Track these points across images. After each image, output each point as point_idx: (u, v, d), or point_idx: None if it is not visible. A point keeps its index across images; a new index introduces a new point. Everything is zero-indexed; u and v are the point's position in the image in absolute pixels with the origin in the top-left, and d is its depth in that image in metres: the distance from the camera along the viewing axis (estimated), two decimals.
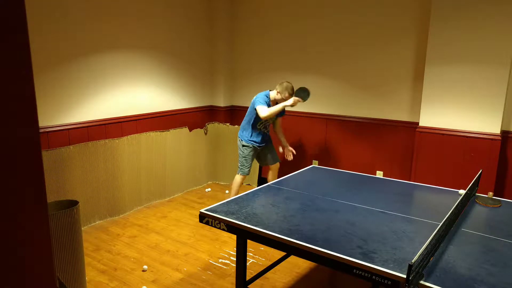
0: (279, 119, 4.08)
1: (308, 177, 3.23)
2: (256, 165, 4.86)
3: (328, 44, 4.41)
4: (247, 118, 3.93)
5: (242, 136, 3.94)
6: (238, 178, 3.98)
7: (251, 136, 3.90)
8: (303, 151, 4.74)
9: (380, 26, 4.05)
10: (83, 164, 3.81)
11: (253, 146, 3.91)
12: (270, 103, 3.81)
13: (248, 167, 3.94)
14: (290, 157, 4.03)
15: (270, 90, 3.87)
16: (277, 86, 3.80)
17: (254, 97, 3.85)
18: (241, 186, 4.03)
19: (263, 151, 4.06)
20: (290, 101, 3.64)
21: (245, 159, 3.93)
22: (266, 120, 3.89)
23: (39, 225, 0.87)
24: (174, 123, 4.75)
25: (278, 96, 3.77)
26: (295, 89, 3.79)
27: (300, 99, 3.69)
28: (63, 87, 3.63)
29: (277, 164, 4.12)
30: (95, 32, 3.80)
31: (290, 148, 4.05)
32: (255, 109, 3.76)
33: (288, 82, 3.77)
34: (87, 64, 3.78)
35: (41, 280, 0.89)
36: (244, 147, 3.93)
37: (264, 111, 3.69)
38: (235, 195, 3.65)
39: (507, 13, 3.21)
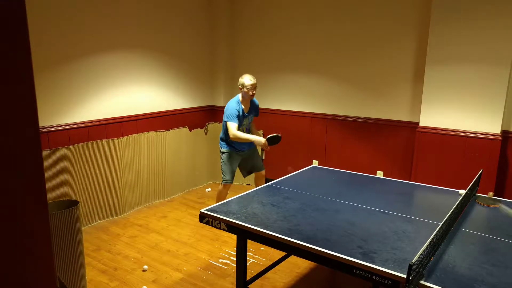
0: (253, 123, 3.85)
1: (308, 177, 3.23)
2: None
3: (328, 44, 4.41)
4: (223, 129, 3.68)
5: (221, 143, 3.77)
6: (220, 188, 3.78)
7: (230, 142, 3.69)
8: (303, 151, 4.74)
9: (380, 26, 4.05)
10: (83, 164, 3.81)
11: (232, 151, 3.71)
12: (242, 108, 3.59)
13: (230, 175, 3.71)
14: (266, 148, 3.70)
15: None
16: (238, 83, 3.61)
17: (227, 104, 3.63)
18: (225, 196, 3.70)
19: (245, 160, 3.83)
20: (262, 141, 3.51)
21: (226, 166, 3.71)
22: (243, 128, 3.68)
23: (39, 225, 0.87)
24: (174, 123, 4.75)
25: (244, 94, 3.56)
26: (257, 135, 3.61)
27: (266, 145, 3.53)
28: (63, 87, 3.63)
29: (262, 172, 3.87)
30: (95, 33, 3.80)
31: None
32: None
33: (243, 76, 3.57)
34: (87, 64, 3.78)
35: (41, 280, 0.89)
36: (223, 154, 3.74)
37: (233, 131, 3.50)
38: None
39: (507, 13, 3.21)
